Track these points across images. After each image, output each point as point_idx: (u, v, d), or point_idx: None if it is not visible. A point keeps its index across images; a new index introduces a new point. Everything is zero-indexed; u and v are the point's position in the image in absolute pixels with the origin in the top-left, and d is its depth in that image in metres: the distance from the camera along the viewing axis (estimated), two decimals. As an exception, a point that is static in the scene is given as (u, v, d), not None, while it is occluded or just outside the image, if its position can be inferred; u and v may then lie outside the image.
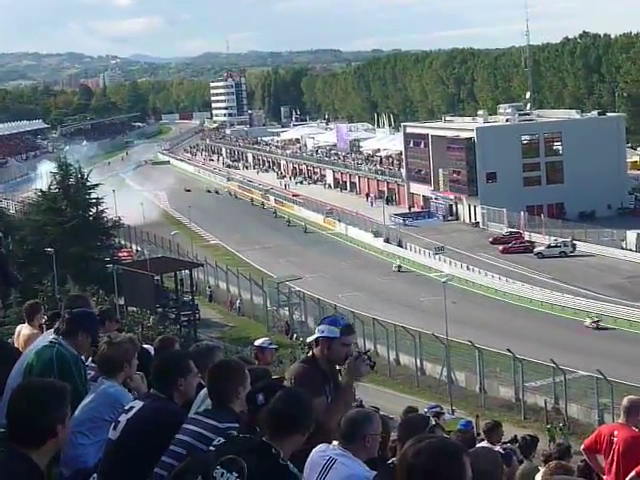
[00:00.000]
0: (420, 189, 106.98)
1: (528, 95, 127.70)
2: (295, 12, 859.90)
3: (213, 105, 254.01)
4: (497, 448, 10.79)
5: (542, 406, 43.70)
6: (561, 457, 11.02)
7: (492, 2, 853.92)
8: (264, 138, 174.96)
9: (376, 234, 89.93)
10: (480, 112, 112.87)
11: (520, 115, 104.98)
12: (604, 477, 9.03)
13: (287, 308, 62.66)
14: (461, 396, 46.45)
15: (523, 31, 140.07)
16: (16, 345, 8.88)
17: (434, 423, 5.82)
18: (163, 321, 53.29)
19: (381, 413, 9.01)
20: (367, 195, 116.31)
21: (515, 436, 16.13)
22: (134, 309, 54.18)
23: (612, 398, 38.04)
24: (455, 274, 71.50)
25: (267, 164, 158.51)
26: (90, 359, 7.22)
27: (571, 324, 59.67)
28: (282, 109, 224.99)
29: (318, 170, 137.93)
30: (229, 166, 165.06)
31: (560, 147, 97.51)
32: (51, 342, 6.97)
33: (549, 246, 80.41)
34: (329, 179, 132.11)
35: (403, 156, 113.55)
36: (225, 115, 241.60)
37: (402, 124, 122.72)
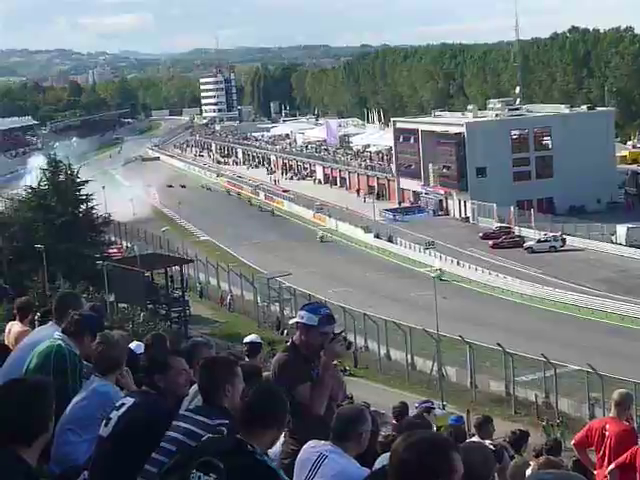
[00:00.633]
0: (410, 184, 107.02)
1: (517, 90, 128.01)
2: (284, 8, 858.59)
3: (203, 101, 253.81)
4: (487, 443, 10.81)
5: (533, 400, 43.79)
6: (551, 452, 11.05)
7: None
8: (254, 134, 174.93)
9: (366, 229, 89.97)
10: (470, 107, 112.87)
11: (510, 110, 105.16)
12: (595, 472, 9.05)
13: (278, 304, 62.62)
14: (452, 391, 46.47)
15: (512, 26, 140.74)
16: (6, 342, 8.87)
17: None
18: (153, 317, 53.17)
19: (372, 409, 9.01)
20: (358, 191, 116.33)
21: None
22: (124, 305, 54.13)
23: (603, 392, 38.06)
24: (446, 269, 71.60)
25: (257, 160, 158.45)
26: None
27: (561, 318, 59.81)
28: (272, 105, 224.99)
29: (308, 166, 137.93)
30: (219, 162, 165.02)
31: (549, 142, 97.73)
32: (55, 338, 7.02)
33: (539, 241, 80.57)
34: (319, 175, 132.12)
35: (393, 151, 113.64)
36: (215, 111, 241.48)
37: (392, 119, 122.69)
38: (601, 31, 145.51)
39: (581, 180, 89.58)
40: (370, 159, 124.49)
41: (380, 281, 72.25)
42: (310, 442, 5.43)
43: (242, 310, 65.69)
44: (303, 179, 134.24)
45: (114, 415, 5.88)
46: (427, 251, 78.70)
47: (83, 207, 68.19)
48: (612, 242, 78.25)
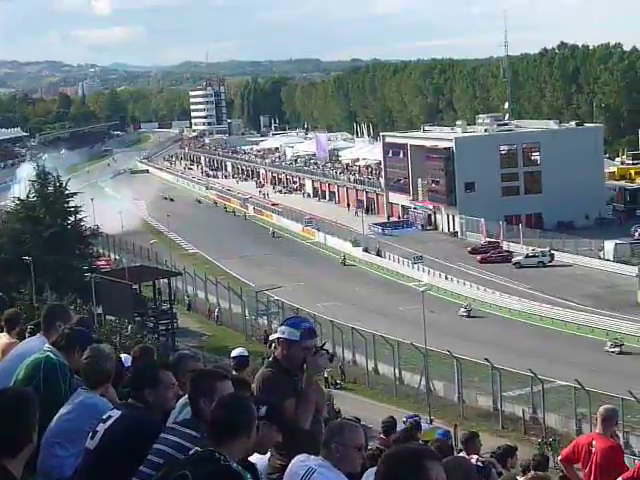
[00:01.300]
0: (399, 199, 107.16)
1: (506, 105, 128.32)
2: (275, 22, 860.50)
3: (192, 114, 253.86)
4: (475, 458, 10.81)
5: (520, 416, 43.80)
6: (539, 467, 11.06)
7: (471, 13, 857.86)
8: (243, 147, 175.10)
9: (355, 243, 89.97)
10: (459, 122, 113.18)
11: (498, 125, 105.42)
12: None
13: (266, 317, 62.58)
14: (439, 405, 46.44)
15: (502, 42, 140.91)
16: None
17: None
18: (141, 330, 53.08)
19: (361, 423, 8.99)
20: (348, 205, 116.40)
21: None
22: (112, 318, 54.01)
23: (590, 408, 38.06)
24: (434, 283, 71.63)
25: (246, 173, 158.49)
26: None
27: (549, 333, 59.86)
28: (261, 118, 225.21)
29: (297, 179, 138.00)
30: (208, 175, 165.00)
31: (538, 157, 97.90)
32: (44, 350, 7.01)
33: (527, 256, 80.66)
34: (308, 188, 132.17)
35: (382, 166, 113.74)
36: (204, 124, 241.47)
37: (381, 134, 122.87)
38: (590, 47, 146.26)
39: (569, 196, 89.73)
40: (359, 173, 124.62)
41: (368, 295, 72.23)
42: (299, 456, 5.42)
43: (230, 323, 65.63)
44: (290, 193, 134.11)
45: (100, 428, 5.87)
46: (415, 265, 78.77)
47: (72, 219, 68.14)
48: (600, 258, 78.34)
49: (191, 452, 4.97)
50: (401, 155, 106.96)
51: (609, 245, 78.41)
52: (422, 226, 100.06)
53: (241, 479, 4.67)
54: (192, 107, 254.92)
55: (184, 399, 5.93)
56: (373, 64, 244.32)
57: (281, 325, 6.59)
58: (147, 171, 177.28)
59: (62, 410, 6.35)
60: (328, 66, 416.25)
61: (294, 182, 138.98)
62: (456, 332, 58.04)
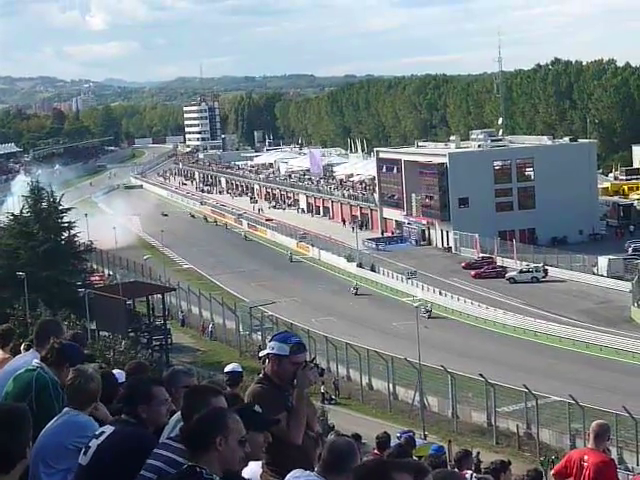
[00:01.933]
0: (393, 214, 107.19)
1: (500, 121, 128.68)
2: (269, 38, 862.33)
3: (186, 129, 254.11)
4: (469, 474, 10.82)
5: (514, 431, 43.79)
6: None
7: (465, 29, 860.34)
8: (237, 162, 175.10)
9: (349, 259, 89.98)
10: (452, 138, 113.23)
11: (492, 141, 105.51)
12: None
13: (260, 333, 62.48)
14: (433, 421, 46.46)
15: (495, 58, 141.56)
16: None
17: None
18: (135, 346, 52.93)
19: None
20: (344, 221, 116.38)
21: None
22: (106, 334, 53.89)
23: (584, 423, 38.06)
24: (427, 299, 71.64)
25: (240, 188, 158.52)
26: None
27: (543, 349, 59.87)
28: (255, 134, 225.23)
29: (291, 195, 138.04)
30: (203, 190, 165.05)
31: (532, 173, 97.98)
32: (33, 365, 6.99)
33: (521, 271, 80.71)
34: (302, 204, 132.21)
35: (376, 181, 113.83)
36: (198, 139, 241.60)
37: (375, 149, 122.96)
38: (584, 63, 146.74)
39: (563, 211, 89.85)
40: (353, 188, 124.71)
41: (363, 310, 72.22)
42: (294, 472, 5.41)
43: (224, 339, 65.56)
44: (283, 208, 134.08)
45: (93, 444, 5.86)
46: (409, 281, 78.77)
47: (65, 235, 68.09)
48: (594, 273, 78.42)
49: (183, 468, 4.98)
50: (395, 170, 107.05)
51: (603, 261, 78.47)
52: (416, 241, 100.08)
53: None
54: (186, 122, 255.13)
55: (178, 415, 5.92)
56: (367, 80, 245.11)
57: (270, 341, 6.60)
58: (141, 186, 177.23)
59: (47, 427, 6.34)
60: (322, 82, 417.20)
61: (288, 197, 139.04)
62: (449, 347, 58.05)
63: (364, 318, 69.06)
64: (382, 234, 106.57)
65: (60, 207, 69.68)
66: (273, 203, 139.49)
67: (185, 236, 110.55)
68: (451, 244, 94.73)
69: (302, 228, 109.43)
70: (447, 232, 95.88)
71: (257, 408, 5.68)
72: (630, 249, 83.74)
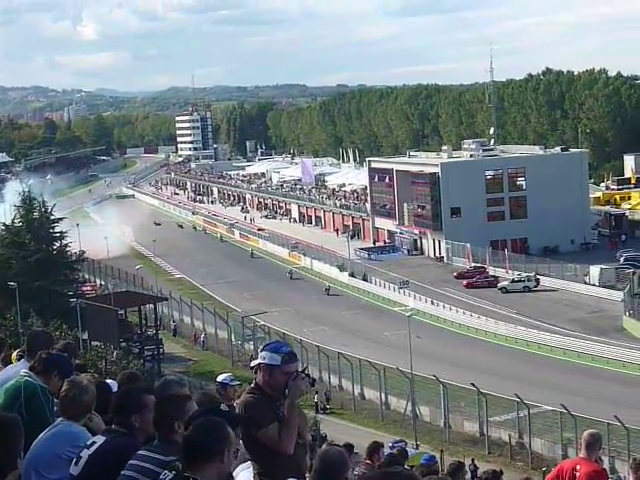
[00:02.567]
0: (385, 223, 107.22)
1: (492, 131, 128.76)
2: (261, 47, 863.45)
3: (178, 139, 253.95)
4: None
5: (506, 441, 43.76)
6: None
7: (457, 39, 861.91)
8: (229, 172, 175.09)
9: (341, 268, 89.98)
10: (444, 147, 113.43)
11: (484, 150, 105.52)
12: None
13: (252, 342, 62.42)
14: (426, 431, 46.42)
15: (487, 67, 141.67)
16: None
17: None
18: (127, 356, 52.92)
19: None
20: (337, 230, 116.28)
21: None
22: (97, 343, 53.90)
23: (576, 432, 38.06)
24: (420, 308, 71.64)
25: (233, 198, 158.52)
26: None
27: (535, 359, 59.89)
28: (247, 143, 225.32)
29: (283, 204, 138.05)
30: (195, 200, 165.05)
31: (524, 182, 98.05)
32: (21, 375, 6.98)
33: (513, 281, 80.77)
34: (294, 213, 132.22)
35: (368, 191, 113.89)
36: (190, 149, 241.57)
37: (367, 159, 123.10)
38: (575, 73, 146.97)
39: (555, 221, 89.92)
40: (345, 198, 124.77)
41: (355, 320, 72.21)
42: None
43: (216, 348, 65.49)
44: (274, 218, 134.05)
45: (84, 454, 5.85)
46: (401, 290, 78.78)
47: (57, 244, 68.03)
48: (585, 283, 78.49)
49: (161, 477, 4.95)
50: (387, 180, 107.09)
51: (594, 270, 78.53)
52: (408, 251, 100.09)
53: None
54: (178, 132, 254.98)
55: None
56: (359, 89, 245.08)
57: (262, 350, 6.59)
58: (133, 196, 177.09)
59: (40, 436, 6.33)
60: (314, 91, 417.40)
61: (280, 207, 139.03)
62: (441, 356, 58.05)
63: (356, 328, 69.05)
64: (374, 244, 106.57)
65: (52, 217, 69.65)
66: (265, 213, 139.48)
67: (177, 245, 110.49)
68: (443, 254, 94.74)
69: (294, 237, 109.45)
70: (439, 242, 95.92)
71: (223, 407, 5.69)
72: (622, 259, 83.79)
